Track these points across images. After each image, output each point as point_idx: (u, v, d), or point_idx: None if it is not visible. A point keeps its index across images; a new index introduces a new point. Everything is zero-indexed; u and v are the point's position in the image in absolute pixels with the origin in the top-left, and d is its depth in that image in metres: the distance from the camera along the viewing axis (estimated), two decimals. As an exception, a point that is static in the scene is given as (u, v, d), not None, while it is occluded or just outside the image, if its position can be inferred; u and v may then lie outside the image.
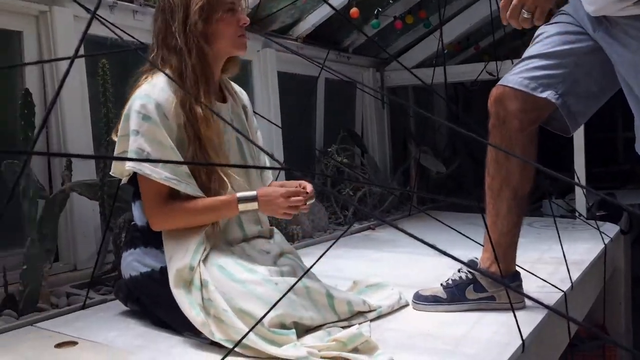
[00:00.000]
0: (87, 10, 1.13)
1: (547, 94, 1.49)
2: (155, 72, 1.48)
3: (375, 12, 3.52)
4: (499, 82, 1.58)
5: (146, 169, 1.39)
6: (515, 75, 1.54)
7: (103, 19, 1.53)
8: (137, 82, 1.50)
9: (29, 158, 0.66)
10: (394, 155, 4.14)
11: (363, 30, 3.69)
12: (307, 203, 1.48)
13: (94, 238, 2.06)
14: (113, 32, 1.44)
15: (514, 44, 4.25)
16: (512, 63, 1.71)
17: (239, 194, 1.44)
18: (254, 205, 1.44)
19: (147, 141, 1.38)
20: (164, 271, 1.42)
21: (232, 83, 1.71)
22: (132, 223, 1.58)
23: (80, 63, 2.15)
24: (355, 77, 3.95)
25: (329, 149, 3.37)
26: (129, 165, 1.44)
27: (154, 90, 1.43)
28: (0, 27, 1.94)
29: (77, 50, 0.78)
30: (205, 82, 1.47)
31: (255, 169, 1.63)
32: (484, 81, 3.65)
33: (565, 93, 1.50)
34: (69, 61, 0.71)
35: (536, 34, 1.60)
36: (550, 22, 1.59)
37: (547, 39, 1.54)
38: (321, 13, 3.26)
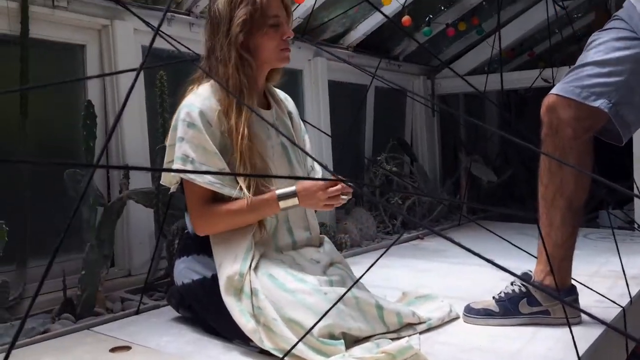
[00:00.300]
0: (151, 27, 1.18)
1: (600, 103, 1.45)
2: (201, 83, 1.53)
3: (427, 19, 3.49)
4: (551, 91, 1.55)
5: (188, 176, 1.44)
6: (568, 84, 1.50)
7: (163, 32, 1.59)
8: (185, 93, 1.55)
9: (93, 170, 0.69)
10: (444, 164, 4.09)
11: (415, 38, 3.68)
12: (344, 197, 1.48)
13: (149, 245, 2.13)
14: (172, 44, 1.50)
15: (570, 50, 4.13)
16: (569, 68, 1.67)
17: (278, 191, 1.45)
18: (294, 201, 1.45)
19: (192, 147, 1.43)
20: (215, 279, 1.46)
21: (278, 90, 1.73)
22: (185, 231, 1.63)
23: (139, 75, 2.23)
24: (406, 85, 3.92)
25: (379, 158, 3.36)
26: (176, 174, 1.50)
27: (198, 99, 1.48)
28: (65, 40, 2.03)
29: (142, 65, 0.82)
30: (247, 91, 1.50)
31: (302, 179, 1.64)
32: (538, 88, 3.56)
33: (618, 102, 1.45)
34: (129, 73, 0.75)
35: (589, 40, 1.55)
36: (604, 27, 1.54)
37: (601, 45, 1.49)
38: (372, 22, 3.27)
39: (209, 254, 1.50)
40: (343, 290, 1.38)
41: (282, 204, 1.45)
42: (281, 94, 1.74)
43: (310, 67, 3.07)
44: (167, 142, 1.52)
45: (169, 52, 2.21)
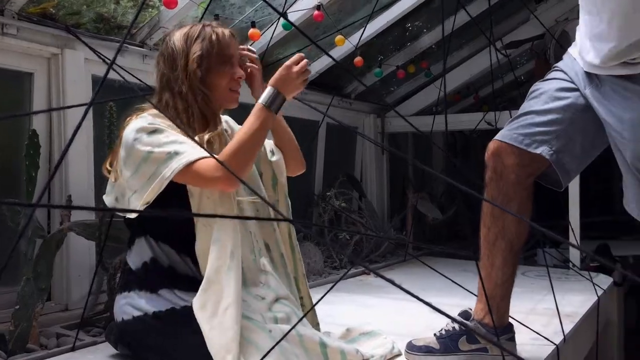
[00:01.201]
0: (104, 60, 1.19)
1: (542, 150, 1.53)
2: (142, 113, 1.51)
3: (379, 60, 3.61)
4: (496, 137, 1.62)
5: (182, 159, 1.36)
6: (511, 131, 1.58)
7: (116, 64, 1.59)
8: (124, 125, 1.51)
9: (33, 210, 0.68)
10: (392, 200, 4.17)
11: (365, 78, 3.79)
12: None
13: (88, 278, 2.07)
14: (123, 77, 1.49)
15: (511, 94, 4.36)
16: (510, 114, 1.76)
17: (260, 99, 1.44)
18: (280, 99, 1.44)
19: (167, 145, 1.37)
20: (157, 316, 1.43)
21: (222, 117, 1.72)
22: (127, 267, 1.59)
23: (87, 101, 2.21)
24: (357, 123, 4.02)
25: (328, 193, 3.40)
26: (171, 173, 1.36)
27: (142, 119, 1.46)
28: (13, 68, 2.00)
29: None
30: (212, 123, 1.51)
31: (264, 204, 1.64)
32: (482, 130, 3.72)
33: (559, 149, 1.54)
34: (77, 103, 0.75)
35: (531, 89, 1.65)
36: (545, 78, 1.64)
37: (542, 95, 1.59)
38: (326, 60, 3.35)
39: (152, 289, 1.47)
40: (287, 327, 1.39)
41: (274, 107, 1.43)
42: (228, 119, 1.73)
43: (262, 102, 3.09)
44: (125, 176, 1.43)
45: (121, 83, 2.20)
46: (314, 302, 1.59)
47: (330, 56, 1.26)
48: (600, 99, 1.44)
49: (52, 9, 2.13)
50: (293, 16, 2.73)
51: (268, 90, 1.45)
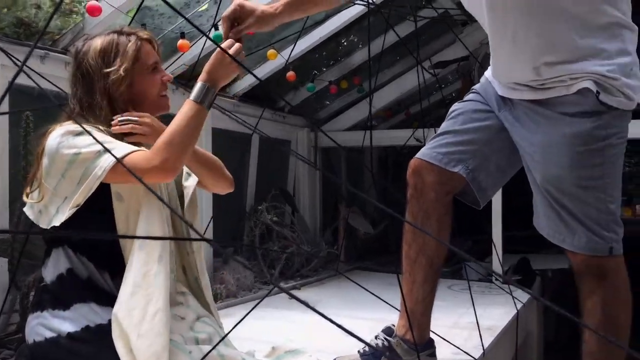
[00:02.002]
0: (15, 62, 1.12)
1: (459, 169, 1.59)
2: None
3: (312, 75, 3.65)
4: (416, 155, 1.67)
5: (107, 159, 1.27)
6: (431, 150, 1.63)
7: (31, 70, 1.51)
8: (45, 136, 1.42)
9: None
10: (325, 214, 4.20)
11: (299, 92, 3.81)
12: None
13: (0, 297, 1.95)
14: (37, 84, 1.41)
15: (439, 112, 4.50)
16: (435, 132, 1.80)
17: (191, 97, 1.34)
18: (211, 93, 1.35)
19: (92, 144, 1.28)
20: (71, 337, 1.36)
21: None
22: (42, 284, 1.51)
23: (3, 109, 2.09)
24: (290, 137, 4.02)
25: (259, 207, 3.38)
26: (102, 171, 1.27)
27: (70, 124, 1.38)
28: None
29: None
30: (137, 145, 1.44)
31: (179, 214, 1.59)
32: (413, 146, 3.81)
33: (475, 168, 1.60)
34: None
35: (450, 110, 1.71)
36: (463, 99, 1.71)
37: (459, 116, 1.65)
38: (259, 73, 3.34)
39: (66, 305, 1.39)
40: (208, 348, 1.35)
41: (206, 103, 1.34)
42: None
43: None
44: (48, 187, 1.33)
45: (40, 91, 2.11)
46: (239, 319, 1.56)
47: (253, 74, 1.25)
48: (513, 121, 1.51)
49: (-34, 11, 2.03)
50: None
51: (198, 86, 1.36)
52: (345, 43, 3.74)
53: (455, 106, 1.70)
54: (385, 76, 4.04)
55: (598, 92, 1.32)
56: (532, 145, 1.46)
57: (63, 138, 1.32)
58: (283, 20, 1.51)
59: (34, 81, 1.43)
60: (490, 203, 3.34)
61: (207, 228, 1.73)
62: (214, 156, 1.63)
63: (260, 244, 3.30)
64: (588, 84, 1.33)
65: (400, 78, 4.00)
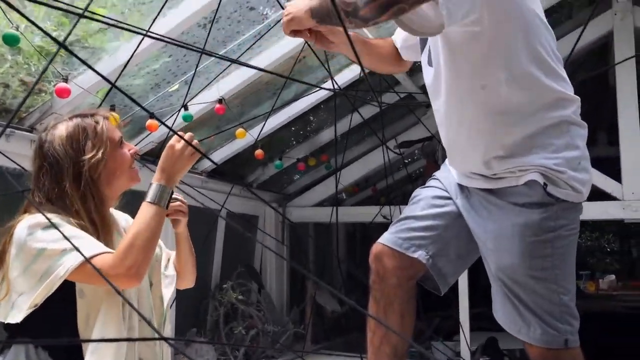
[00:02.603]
0: None
1: (419, 255, 1.59)
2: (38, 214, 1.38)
3: (281, 152, 3.70)
4: (379, 240, 1.68)
5: (78, 256, 1.21)
6: (392, 234, 1.64)
7: None
8: (13, 223, 1.38)
9: None
10: (292, 290, 4.14)
11: (267, 168, 3.85)
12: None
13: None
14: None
15: (405, 189, 4.59)
16: (400, 210, 1.83)
17: (147, 199, 1.30)
18: (162, 190, 1.31)
19: (59, 239, 1.23)
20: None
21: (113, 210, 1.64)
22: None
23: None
24: (258, 212, 4.02)
25: (225, 285, 3.31)
26: (65, 271, 1.23)
27: (40, 216, 1.33)
28: None
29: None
30: (105, 225, 1.40)
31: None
32: (380, 223, 3.85)
33: (435, 254, 1.60)
34: None
35: (413, 195, 1.74)
36: (425, 185, 1.75)
37: (420, 201, 1.68)
38: (228, 150, 3.38)
39: None
40: None
41: (161, 202, 1.30)
42: (117, 213, 1.64)
43: (160, 190, 3.03)
44: (10, 276, 1.27)
45: (5, 170, 2.08)
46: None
47: (211, 160, 1.26)
48: (469, 209, 1.54)
49: None
50: (194, 108, 2.75)
51: (153, 188, 1.33)
52: (313, 121, 3.83)
53: (417, 191, 1.73)
54: (352, 153, 4.13)
55: (545, 184, 1.35)
56: (485, 233, 1.48)
57: (31, 230, 1.27)
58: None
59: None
60: (456, 282, 3.37)
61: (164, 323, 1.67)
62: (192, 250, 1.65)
63: (225, 324, 3.21)
64: (535, 176, 1.36)
65: (366, 156, 4.09)
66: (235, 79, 2.78)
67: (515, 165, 1.38)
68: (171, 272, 1.63)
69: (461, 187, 1.57)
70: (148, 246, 1.30)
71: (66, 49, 0.83)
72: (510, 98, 1.36)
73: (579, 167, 1.38)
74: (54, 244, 1.25)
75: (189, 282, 1.69)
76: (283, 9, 2.15)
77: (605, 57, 3.90)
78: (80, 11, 0.98)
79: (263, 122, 2.92)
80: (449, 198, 1.64)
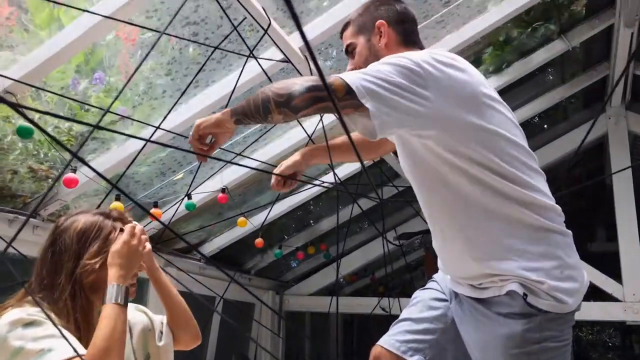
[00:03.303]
0: None
1: (416, 358, 1.57)
2: (24, 305, 1.36)
3: (280, 241, 3.70)
4: (378, 342, 1.66)
5: (52, 358, 1.19)
6: (390, 337, 1.63)
7: None
8: None
9: None
10: (287, 383, 4.01)
11: (266, 255, 3.83)
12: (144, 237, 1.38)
13: None
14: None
15: (404, 278, 4.55)
16: (399, 303, 1.80)
17: (105, 301, 1.28)
18: (121, 290, 1.28)
19: (45, 337, 1.21)
20: None
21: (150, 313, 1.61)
22: None
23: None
24: (254, 299, 3.96)
25: (218, 377, 3.21)
26: None
27: (25, 309, 1.31)
28: None
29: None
30: (90, 328, 1.37)
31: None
32: (378, 314, 3.78)
33: (432, 359, 1.58)
34: None
35: (413, 296, 1.73)
36: (424, 287, 1.74)
37: (418, 303, 1.67)
38: (228, 237, 3.38)
39: None
40: None
41: (120, 301, 1.27)
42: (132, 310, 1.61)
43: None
44: None
45: (5, 255, 2.08)
46: None
47: (202, 254, 1.27)
48: (461, 315, 1.53)
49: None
50: (198, 196, 2.79)
51: (109, 290, 1.30)
52: (313, 210, 3.86)
53: (416, 293, 1.73)
54: (352, 242, 4.13)
55: (525, 295, 1.30)
56: (474, 342, 1.46)
57: (12, 327, 1.24)
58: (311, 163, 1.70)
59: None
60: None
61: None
62: (182, 299, 1.60)
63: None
64: (515, 287, 1.30)
65: (366, 246, 4.08)
66: (239, 169, 2.84)
67: (495, 273, 1.34)
68: (167, 338, 1.57)
69: (455, 292, 1.57)
70: (116, 346, 1.26)
71: (82, 161, 0.85)
72: (472, 200, 1.33)
73: (562, 277, 1.31)
74: (32, 343, 1.22)
75: (193, 340, 1.62)
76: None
77: (600, 155, 4.00)
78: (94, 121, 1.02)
79: (267, 214, 2.94)
80: (446, 300, 1.63)
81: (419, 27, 1.55)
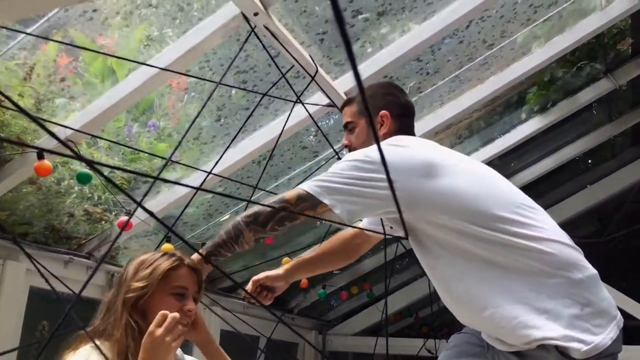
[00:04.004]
0: (39, 269, 1.16)
1: None
2: (81, 344, 1.41)
3: (323, 281, 3.70)
4: None
5: None
6: None
7: (52, 275, 1.57)
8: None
9: None
10: None
11: (309, 294, 3.82)
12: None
13: None
14: (53, 288, 1.44)
15: (447, 318, 4.45)
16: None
17: None
18: None
19: None
20: None
21: (180, 354, 1.64)
22: None
23: (19, 315, 2.11)
24: (298, 339, 3.94)
25: (262, 419, 3.18)
26: None
27: (82, 353, 1.35)
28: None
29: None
30: (132, 357, 1.39)
31: None
32: (424, 357, 3.70)
33: None
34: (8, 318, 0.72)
35: (449, 340, 1.71)
36: (460, 331, 1.71)
37: (455, 348, 1.64)
38: (270, 276, 3.40)
39: None
40: None
41: None
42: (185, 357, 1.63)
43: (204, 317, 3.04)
44: None
45: (59, 295, 2.15)
46: None
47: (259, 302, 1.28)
48: None
49: (2, 217, 2.15)
50: (243, 237, 2.82)
51: None
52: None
53: (453, 337, 1.70)
54: (395, 281, 4.09)
55: (557, 346, 1.25)
56: None
57: None
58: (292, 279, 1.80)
59: (52, 288, 1.48)
60: None
61: None
62: None
63: None
64: (543, 341, 1.26)
65: (410, 285, 4.04)
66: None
67: (519, 327, 1.30)
68: None
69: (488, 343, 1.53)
70: None
71: (143, 208, 0.89)
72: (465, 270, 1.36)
73: (585, 317, 1.28)
74: None
75: None
76: (332, 147, 2.28)
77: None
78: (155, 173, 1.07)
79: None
80: (482, 346, 1.60)
81: (463, 69, 1.60)
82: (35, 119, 0.60)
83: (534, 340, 1.28)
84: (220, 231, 1.45)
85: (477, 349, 1.59)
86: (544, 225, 1.36)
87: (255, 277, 1.74)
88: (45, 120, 1.79)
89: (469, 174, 1.40)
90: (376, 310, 3.93)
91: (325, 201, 1.34)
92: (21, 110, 0.56)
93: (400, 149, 1.41)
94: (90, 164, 0.80)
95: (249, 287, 1.72)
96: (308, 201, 1.36)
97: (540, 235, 1.33)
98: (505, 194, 1.40)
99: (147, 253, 1.49)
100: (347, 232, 1.88)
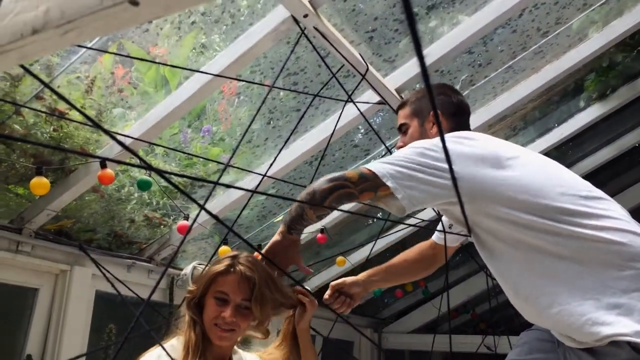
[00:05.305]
0: (108, 279, 1.21)
1: None
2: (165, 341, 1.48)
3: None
4: None
5: None
6: None
7: (116, 279, 1.63)
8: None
9: None
10: None
11: (363, 293, 3.81)
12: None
13: None
14: (119, 293, 1.50)
15: (506, 314, 4.35)
16: (509, 340, 1.72)
17: None
18: None
19: None
20: None
21: (241, 352, 1.67)
22: None
23: (87, 318, 2.19)
24: (353, 337, 3.94)
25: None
26: None
27: (152, 356, 1.41)
28: (19, 284, 2.03)
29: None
30: (193, 350, 1.45)
31: None
32: (482, 353, 3.63)
33: None
34: (75, 324, 0.75)
35: (519, 337, 1.66)
36: (531, 327, 1.67)
37: (525, 344, 1.60)
38: (325, 276, 3.41)
39: None
40: None
41: None
42: (247, 356, 1.67)
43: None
44: None
45: (123, 298, 2.22)
46: None
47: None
48: None
49: (68, 225, 2.24)
50: (297, 237, 2.84)
51: None
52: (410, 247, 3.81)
53: (523, 334, 1.66)
54: (451, 277, 4.02)
55: (629, 342, 1.19)
56: None
57: None
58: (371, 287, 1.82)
59: (117, 292, 1.54)
60: None
61: None
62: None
63: None
64: (615, 337, 1.20)
65: (466, 281, 3.97)
66: (336, 211, 2.87)
67: (592, 324, 1.24)
68: None
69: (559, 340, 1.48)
70: None
71: (208, 212, 0.91)
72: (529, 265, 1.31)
73: None
74: None
75: None
76: (384, 144, 2.27)
77: None
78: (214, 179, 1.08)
79: (370, 249, 2.94)
80: (553, 342, 1.55)
81: (516, 59, 1.55)
82: (107, 132, 0.62)
83: (604, 337, 1.23)
84: (290, 210, 1.42)
85: (548, 345, 1.55)
86: (613, 214, 1.30)
87: (333, 282, 1.74)
88: (112, 132, 1.86)
89: (533, 166, 1.37)
90: (431, 307, 3.88)
91: (389, 183, 1.29)
92: (96, 125, 0.58)
93: (467, 141, 1.38)
94: (160, 173, 0.82)
95: (327, 292, 1.73)
96: (370, 181, 1.32)
97: (610, 225, 1.27)
98: (571, 185, 1.35)
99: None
100: (424, 243, 1.89)
